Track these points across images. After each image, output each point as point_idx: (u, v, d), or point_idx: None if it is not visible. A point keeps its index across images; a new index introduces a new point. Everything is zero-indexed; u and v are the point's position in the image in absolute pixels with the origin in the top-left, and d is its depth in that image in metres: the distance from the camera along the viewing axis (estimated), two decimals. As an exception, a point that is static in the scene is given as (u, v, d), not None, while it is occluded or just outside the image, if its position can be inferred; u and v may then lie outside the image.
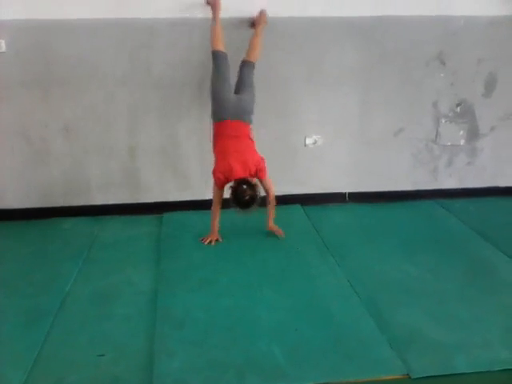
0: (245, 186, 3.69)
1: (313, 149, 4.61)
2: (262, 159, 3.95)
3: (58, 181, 4.40)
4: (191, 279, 3.46)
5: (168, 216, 4.50)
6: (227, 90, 4.00)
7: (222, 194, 3.98)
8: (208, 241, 4.03)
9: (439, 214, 4.55)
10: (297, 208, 4.65)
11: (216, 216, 4.06)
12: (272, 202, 4.08)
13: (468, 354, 2.68)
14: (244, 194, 3.67)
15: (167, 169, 4.51)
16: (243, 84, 4.06)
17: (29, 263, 3.73)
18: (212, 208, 4.05)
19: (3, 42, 3.96)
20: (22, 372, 2.56)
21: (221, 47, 4.00)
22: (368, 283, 3.38)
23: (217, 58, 4.02)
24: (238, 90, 4.06)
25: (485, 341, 2.79)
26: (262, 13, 4.13)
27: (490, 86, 4.64)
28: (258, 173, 3.90)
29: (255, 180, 3.88)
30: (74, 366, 2.63)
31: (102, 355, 2.70)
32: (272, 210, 4.11)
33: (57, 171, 4.37)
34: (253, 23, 4.16)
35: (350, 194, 4.81)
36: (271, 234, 4.10)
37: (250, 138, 4.01)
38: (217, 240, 4.06)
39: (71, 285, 3.39)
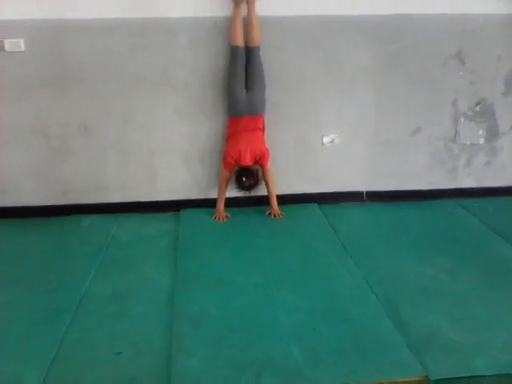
0: (244, 179, 4.31)
1: (330, 147, 4.59)
2: (267, 151, 4.31)
3: (77, 178, 4.43)
4: (208, 278, 3.45)
5: (185, 214, 4.51)
6: (240, 88, 4.14)
7: (229, 177, 4.38)
8: (217, 219, 4.38)
9: (458, 214, 4.51)
10: (314, 207, 4.63)
11: (222, 197, 4.43)
12: (272, 194, 4.42)
13: (487, 356, 2.65)
14: (244, 184, 4.33)
15: (184, 166, 4.52)
16: (255, 76, 4.15)
17: (47, 260, 3.75)
18: (218, 189, 4.43)
19: (22, 41, 4.00)
20: (40, 370, 2.57)
21: (238, 41, 4.04)
22: (386, 284, 3.35)
23: (233, 52, 4.09)
24: (250, 85, 4.16)
25: (505, 342, 2.75)
26: None
27: (510, 84, 4.59)
28: (261, 160, 4.29)
29: (257, 167, 4.36)
30: (91, 365, 2.64)
31: (120, 353, 2.71)
32: (274, 201, 4.45)
33: (76, 169, 4.40)
34: None
35: (367, 192, 4.77)
36: (286, 233, 4.13)
37: (262, 130, 4.28)
38: (226, 216, 4.41)
39: (89, 282, 3.41)
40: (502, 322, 2.94)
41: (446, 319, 2.96)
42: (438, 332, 2.84)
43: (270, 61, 4.15)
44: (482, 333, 2.84)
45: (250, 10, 4.01)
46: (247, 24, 4.03)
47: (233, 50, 4.08)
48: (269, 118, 4.30)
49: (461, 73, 4.50)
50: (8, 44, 3.99)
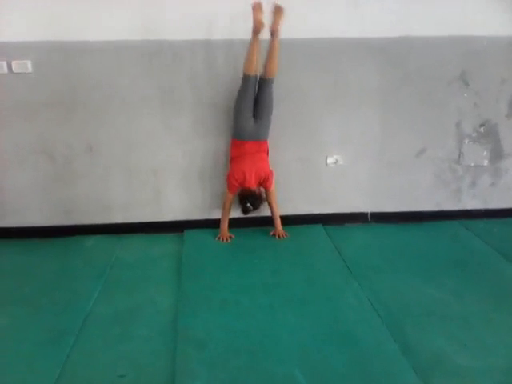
0: (248, 204, 4.34)
1: (334, 168, 4.59)
2: (271, 172, 4.32)
3: (81, 199, 4.44)
4: (212, 300, 3.43)
5: (189, 234, 4.50)
6: (248, 117, 4.13)
7: (232, 198, 4.38)
8: (220, 239, 4.38)
9: (463, 235, 4.49)
10: (318, 228, 4.62)
11: (225, 217, 4.45)
12: (276, 215, 4.44)
13: (494, 380, 2.63)
14: (248, 208, 4.37)
15: (187, 187, 4.53)
16: (265, 106, 4.14)
17: (51, 281, 3.74)
18: (222, 210, 4.43)
19: (29, 62, 4.04)
20: (43, 392, 2.56)
21: (251, 70, 4.00)
22: (391, 306, 3.32)
23: (244, 80, 4.06)
24: (258, 114, 4.15)
25: (511, 366, 2.73)
26: (279, 9, 3.90)
27: (513, 106, 4.62)
28: (265, 182, 4.31)
29: (261, 189, 4.40)
30: (94, 387, 2.62)
31: (123, 376, 2.69)
32: (277, 222, 4.47)
33: (80, 189, 4.41)
34: (272, 31, 3.94)
35: (372, 214, 4.77)
36: (291, 254, 4.11)
37: (266, 152, 4.29)
38: (230, 237, 4.41)
39: (93, 304, 3.39)
40: (508, 345, 2.91)
41: (452, 342, 2.93)
42: (445, 355, 2.82)
43: (275, 82, 4.16)
44: (488, 356, 2.81)
45: (273, 42, 3.96)
46: (267, 55, 3.99)
47: (245, 78, 4.03)
48: (273, 139, 4.31)
49: (465, 94, 4.52)
50: (15, 65, 4.03)
